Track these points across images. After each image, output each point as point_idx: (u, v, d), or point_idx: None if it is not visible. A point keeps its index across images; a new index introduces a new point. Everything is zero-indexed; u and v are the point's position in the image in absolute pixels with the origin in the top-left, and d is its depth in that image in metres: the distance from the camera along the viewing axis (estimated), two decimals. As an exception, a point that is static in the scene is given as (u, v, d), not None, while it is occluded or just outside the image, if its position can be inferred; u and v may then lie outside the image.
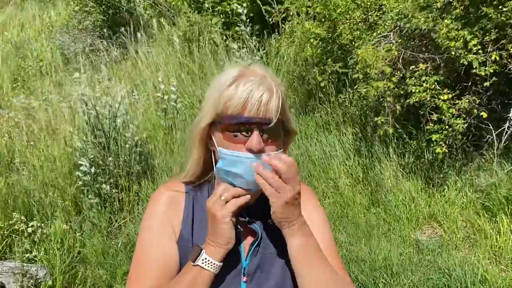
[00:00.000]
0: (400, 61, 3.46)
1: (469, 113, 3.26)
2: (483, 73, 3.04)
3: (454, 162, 3.50)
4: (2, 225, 3.16)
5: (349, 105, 4.31)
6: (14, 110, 5.17)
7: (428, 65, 3.31)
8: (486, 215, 3.14)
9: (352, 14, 4.05)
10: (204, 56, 5.62)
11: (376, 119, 3.59)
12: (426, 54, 3.43)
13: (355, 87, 4.01)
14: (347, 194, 3.60)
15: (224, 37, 5.59)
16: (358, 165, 3.84)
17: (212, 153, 1.01)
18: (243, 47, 5.22)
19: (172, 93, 4.85)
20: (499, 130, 3.27)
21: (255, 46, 5.27)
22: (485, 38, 3.07)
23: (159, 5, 7.14)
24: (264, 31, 5.46)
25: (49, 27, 8.85)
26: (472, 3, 3.14)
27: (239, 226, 0.96)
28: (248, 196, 0.94)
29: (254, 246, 1.00)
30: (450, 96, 3.20)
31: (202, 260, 0.92)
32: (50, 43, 7.83)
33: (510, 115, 3.23)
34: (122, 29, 6.63)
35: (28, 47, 7.94)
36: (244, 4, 5.41)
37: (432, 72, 3.31)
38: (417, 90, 3.24)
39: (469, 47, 3.05)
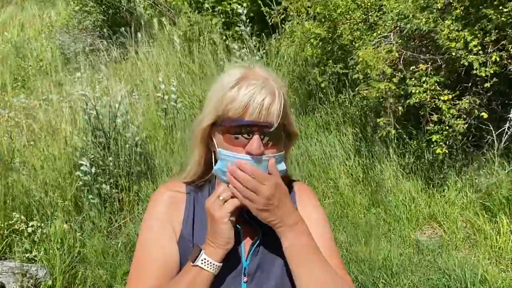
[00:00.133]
0: (401, 61, 3.46)
1: (469, 113, 3.26)
2: (483, 74, 3.05)
3: (454, 162, 3.50)
4: (2, 225, 3.15)
5: (349, 105, 4.32)
6: (14, 110, 5.15)
7: (428, 65, 3.31)
8: (486, 216, 3.14)
9: (353, 14, 4.05)
10: (204, 56, 5.62)
11: (378, 120, 3.59)
12: (426, 54, 3.43)
13: (356, 89, 4.01)
14: (347, 194, 3.60)
15: (224, 37, 5.59)
16: (358, 165, 3.85)
17: (213, 154, 1.01)
18: (243, 47, 5.22)
19: (172, 93, 4.84)
20: (499, 130, 3.27)
21: (255, 46, 5.27)
22: (486, 39, 3.07)
23: (159, 5, 7.14)
24: (264, 31, 5.46)
25: (49, 27, 8.85)
26: (472, 4, 3.14)
27: (238, 226, 0.96)
28: None
29: (255, 246, 1.00)
30: (450, 96, 3.21)
31: (202, 260, 0.92)
32: (50, 43, 7.84)
33: (510, 115, 3.24)
34: (122, 29, 6.63)
35: (28, 47, 7.95)
36: (244, 4, 5.42)
37: (433, 73, 3.31)
38: (417, 91, 3.24)
39: (469, 48, 3.06)
